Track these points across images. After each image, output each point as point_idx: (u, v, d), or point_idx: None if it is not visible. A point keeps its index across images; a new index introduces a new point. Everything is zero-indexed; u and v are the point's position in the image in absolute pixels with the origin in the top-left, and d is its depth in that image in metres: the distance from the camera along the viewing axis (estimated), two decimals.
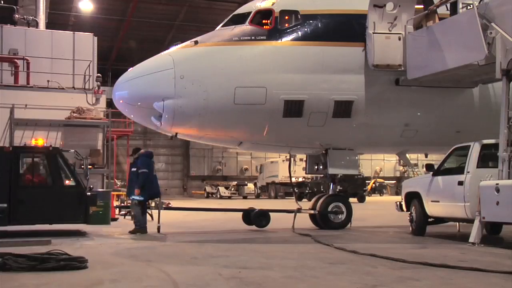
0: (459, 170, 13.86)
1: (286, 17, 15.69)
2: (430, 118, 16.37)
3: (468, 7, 14.38)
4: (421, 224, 15.03)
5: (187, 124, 15.95)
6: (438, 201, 14.32)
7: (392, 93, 15.86)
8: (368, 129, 16.09)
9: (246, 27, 15.72)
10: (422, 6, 16.13)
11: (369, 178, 45.52)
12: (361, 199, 32.18)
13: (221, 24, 16.58)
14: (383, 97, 15.87)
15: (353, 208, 17.15)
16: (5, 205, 13.77)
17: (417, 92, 15.87)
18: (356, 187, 22.18)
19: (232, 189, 51.66)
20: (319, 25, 15.72)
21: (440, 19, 15.59)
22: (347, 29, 15.80)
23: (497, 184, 12.21)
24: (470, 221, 13.08)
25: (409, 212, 15.49)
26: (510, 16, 12.82)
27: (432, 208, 14.59)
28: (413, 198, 15.29)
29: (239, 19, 16.10)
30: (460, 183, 13.46)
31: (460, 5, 15.10)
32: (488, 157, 13.37)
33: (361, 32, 15.61)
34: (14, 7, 29.81)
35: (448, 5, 15.68)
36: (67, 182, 15.12)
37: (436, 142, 16.79)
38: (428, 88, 15.77)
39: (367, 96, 15.58)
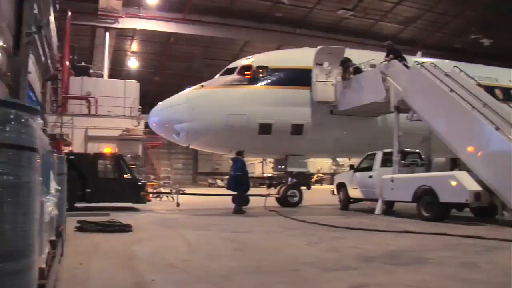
0: (370, 168, 14.31)
1: (260, 70, 16.08)
2: (352, 135, 16.79)
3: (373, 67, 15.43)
4: (346, 203, 15.44)
5: (197, 139, 16.28)
6: (357, 188, 14.76)
7: (328, 119, 16.31)
8: (313, 142, 16.44)
9: (234, 76, 16.09)
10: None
11: (313, 173, 46.09)
12: (309, 188, 32.51)
13: (218, 74, 16.94)
14: (322, 121, 16.30)
15: (304, 193, 17.38)
16: (90, 190, 14.53)
17: (344, 119, 16.31)
18: (305, 179, 22.32)
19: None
20: (282, 75, 16.19)
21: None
22: (300, 78, 16.28)
23: (392, 177, 12.70)
24: (376, 200, 13.61)
25: (338, 195, 15.81)
26: (397, 74, 13.83)
27: (353, 193, 15.07)
28: (341, 187, 15.66)
29: (230, 71, 16.47)
30: (370, 176, 14.12)
31: (364, 67, 16.18)
32: (387, 160, 13.90)
33: (308, 80, 16.00)
34: (90, 65, 30.72)
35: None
36: (126, 175, 15.67)
37: (355, 150, 17.07)
38: (351, 116, 16.16)
39: (313, 121, 16.05)
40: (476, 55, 37.11)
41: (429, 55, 21.62)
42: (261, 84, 16.02)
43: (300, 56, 17.25)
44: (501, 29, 35.13)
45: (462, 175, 10.93)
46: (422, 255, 6.63)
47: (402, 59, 14.22)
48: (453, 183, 10.86)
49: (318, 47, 16.38)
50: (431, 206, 11.39)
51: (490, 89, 18.05)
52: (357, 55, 17.30)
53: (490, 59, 35.92)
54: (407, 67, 13.86)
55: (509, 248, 7.13)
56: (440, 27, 34.81)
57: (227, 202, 15.46)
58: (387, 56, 14.46)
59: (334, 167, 43.88)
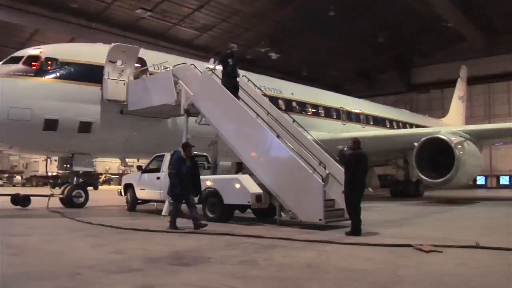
0: (157, 170, 14.40)
1: (49, 62, 15.01)
2: (142, 136, 16.67)
3: (167, 69, 15.54)
4: (134, 204, 15.30)
5: None
6: (144, 189, 14.77)
7: (118, 119, 15.89)
8: (102, 142, 15.87)
9: (19, 66, 14.74)
10: (139, 65, 16.43)
11: (101, 173, 45.03)
12: (96, 188, 31.70)
13: (1, 62, 15.35)
14: (112, 121, 15.78)
15: (90, 193, 16.80)
16: None
17: (134, 119, 16.10)
18: (92, 179, 21.63)
19: (4, 179, 48.01)
20: (72, 70, 15.28)
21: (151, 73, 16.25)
22: (91, 74, 15.48)
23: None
24: (163, 201, 13.79)
25: (126, 196, 15.64)
26: (189, 78, 14.24)
27: (140, 194, 15.05)
28: (128, 187, 15.50)
29: (15, 60, 15.05)
30: (158, 178, 14.19)
31: (157, 68, 16.57)
32: None
33: (100, 77, 15.42)
34: None
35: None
36: None
37: (145, 151, 17.04)
38: (141, 117, 16.07)
39: (102, 120, 15.44)
40: (264, 67, 40.14)
41: None
42: (48, 77, 14.93)
43: (93, 52, 16.48)
44: (288, 45, 38.52)
45: (245, 178, 11.65)
46: (205, 254, 6.88)
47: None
48: (237, 185, 11.52)
49: (112, 44, 15.95)
50: (216, 208, 11.91)
51: (274, 100, 19.91)
52: (152, 56, 17.39)
53: (276, 72, 39.17)
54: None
55: (285, 245, 7.78)
56: (234, 37, 36.71)
57: (5, 202, 14.24)
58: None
59: (122, 168, 43.45)
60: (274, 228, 10.61)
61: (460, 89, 42.10)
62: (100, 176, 43.91)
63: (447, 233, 9.74)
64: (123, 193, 15.86)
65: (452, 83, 41.93)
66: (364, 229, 9.27)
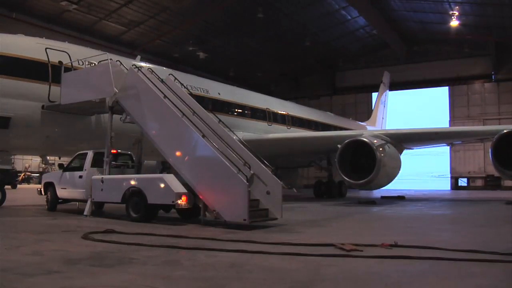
0: (80, 168, 13.98)
1: None
2: (64, 133, 16.04)
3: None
4: (54, 203, 14.77)
5: None
6: (66, 188, 14.33)
7: (39, 114, 15.02)
8: (21, 138, 15.09)
9: None
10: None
11: (20, 171, 43.01)
12: (14, 187, 30.30)
13: None
14: (33, 116, 14.91)
15: (8, 192, 16.01)
16: None
17: (57, 115, 15.35)
18: (10, 177, 20.53)
19: None
20: None
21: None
22: (10, 67, 14.56)
23: (102, 177, 12.82)
24: (85, 201, 13.37)
25: (46, 195, 15.07)
26: (115, 75, 13.56)
27: (62, 193, 14.54)
28: (49, 186, 14.94)
29: None
30: (81, 176, 13.78)
31: (82, 64, 15.95)
32: (98, 161, 13.73)
33: (21, 71, 14.58)
34: None
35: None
36: None
37: (67, 149, 16.48)
38: (64, 113, 15.40)
39: (22, 115, 14.56)
40: (192, 67, 39.93)
41: (148, 60, 22.35)
42: None
43: (12, 43, 15.63)
44: (216, 45, 38.53)
45: (170, 178, 11.53)
46: (127, 255, 6.75)
47: None
48: (161, 185, 11.39)
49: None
50: (139, 207, 11.74)
51: (201, 99, 19.83)
52: (76, 51, 16.75)
53: (204, 71, 39.07)
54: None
55: (209, 245, 7.75)
56: (161, 35, 36.25)
57: None
58: None
59: (43, 166, 41.71)
60: (198, 228, 10.58)
61: (382, 94, 43.92)
62: (19, 174, 41.93)
63: (367, 232, 10.09)
64: (43, 192, 15.26)
65: (375, 88, 43.63)
66: (287, 228, 9.42)
